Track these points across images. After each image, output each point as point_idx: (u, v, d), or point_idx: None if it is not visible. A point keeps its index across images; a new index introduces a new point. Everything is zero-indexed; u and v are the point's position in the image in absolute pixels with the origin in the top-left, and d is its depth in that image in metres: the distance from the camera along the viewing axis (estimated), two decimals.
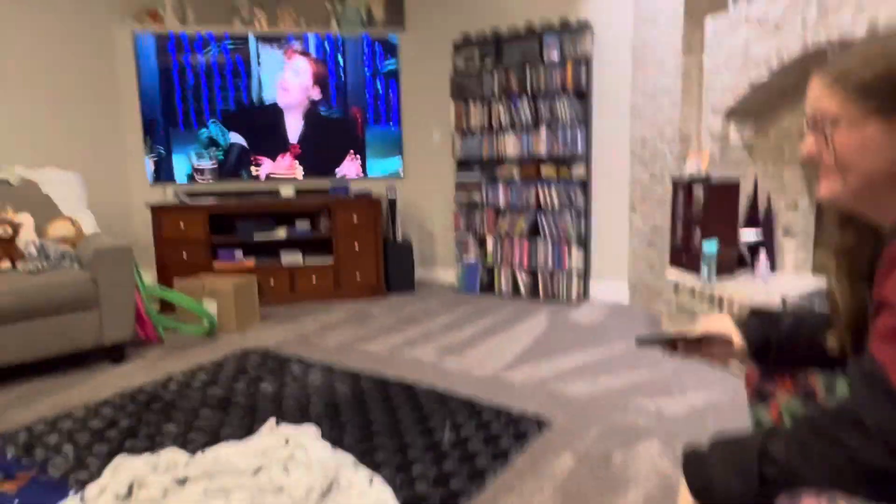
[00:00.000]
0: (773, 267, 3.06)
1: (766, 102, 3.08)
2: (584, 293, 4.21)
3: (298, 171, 4.62)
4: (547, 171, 4.20)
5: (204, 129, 4.45)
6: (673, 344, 1.10)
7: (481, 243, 4.54)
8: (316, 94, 4.58)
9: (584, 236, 4.13)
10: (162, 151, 4.41)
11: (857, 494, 0.67)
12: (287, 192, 4.46)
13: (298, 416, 2.32)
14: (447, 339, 3.31)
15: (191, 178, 4.48)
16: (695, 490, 0.81)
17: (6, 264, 2.99)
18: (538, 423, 2.20)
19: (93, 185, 4.01)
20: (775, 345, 1.02)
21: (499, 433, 2.12)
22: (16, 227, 3.05)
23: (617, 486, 1.79)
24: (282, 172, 4.61)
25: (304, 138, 4.61)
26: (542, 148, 4.17)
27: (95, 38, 4.21)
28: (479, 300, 4.25)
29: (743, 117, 3.21)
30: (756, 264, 2.98)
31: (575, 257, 4.14)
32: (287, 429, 2.08)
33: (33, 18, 3.85)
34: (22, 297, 2.70)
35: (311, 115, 4.60)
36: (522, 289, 4.36)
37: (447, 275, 4.88)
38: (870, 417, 0.65)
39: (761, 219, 3.17)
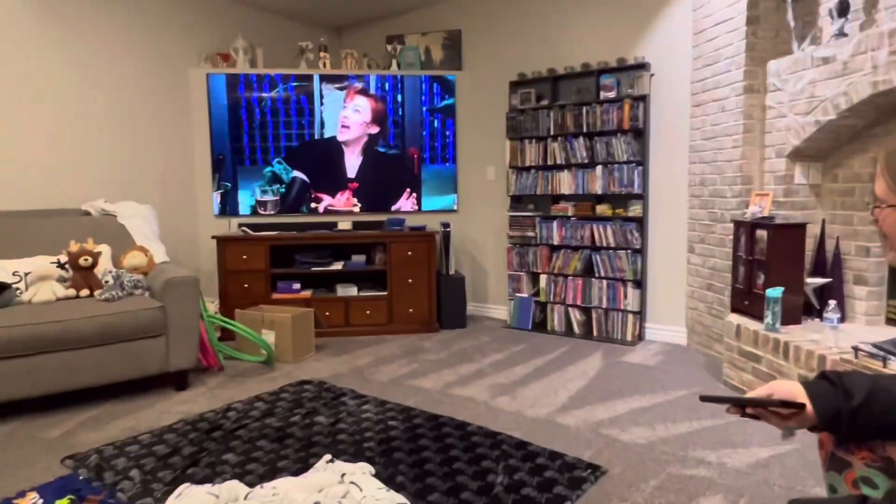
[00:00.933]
0: (842, 315, 2.93)
1: (835, 144, 3.00)
2: (640, 334, 4.12)
3: (356, 206, 4.75)
4: (602, 209, 4.17)
5: (269, 167, 4.64)
6: (739, 405, 1.07)
7: (535, 280, 4.52)
8: (374, 130, 4.73)
9: (640, 275, 4.06)
10: (228, 186, 4.62)
11: None
12: (344, 225, 4.58)
13: (353, 450, 2.35)
14: (499, 378, 3.29)
15: (254, 211, 4.66)
16: None
17: (85, 292, 3.17)
18: (593, 471, 2.15)
19: (164, 217, 4.24)
20: (847, 417, 0.98)
21: (554, 478, 2.09)
22: (95, 257, 3.24)
23: None
24: (340, 206, 4.74)
25: (361, 174, 4.74)
26: (597, 186, 4.15)
27: (172, 80, 4.49)
28: (532, 337, 4.22)
29: (809, 159, 3.13)
30: (823, 312, 2.86)
31: (630, 296, 4.07)
32: (342, 465, 2.11)
33: (117, 61, 4.15)
34: (99, 323, 2.86)
35: (370, 151, 4.74)
36: (576, 327, 4.30)
37: (499, 311, 4.87)
38: None
39: (829, 264, 3.05)
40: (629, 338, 4.08)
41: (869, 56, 2.55)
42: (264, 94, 4.60)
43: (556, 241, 4.36)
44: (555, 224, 4.36)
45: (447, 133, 4.82)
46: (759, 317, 3.00)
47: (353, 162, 4.74)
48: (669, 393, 3.01)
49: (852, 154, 2.95)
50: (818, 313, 3.01)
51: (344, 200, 4.75)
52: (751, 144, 3.35)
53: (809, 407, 1.01)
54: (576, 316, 4.31)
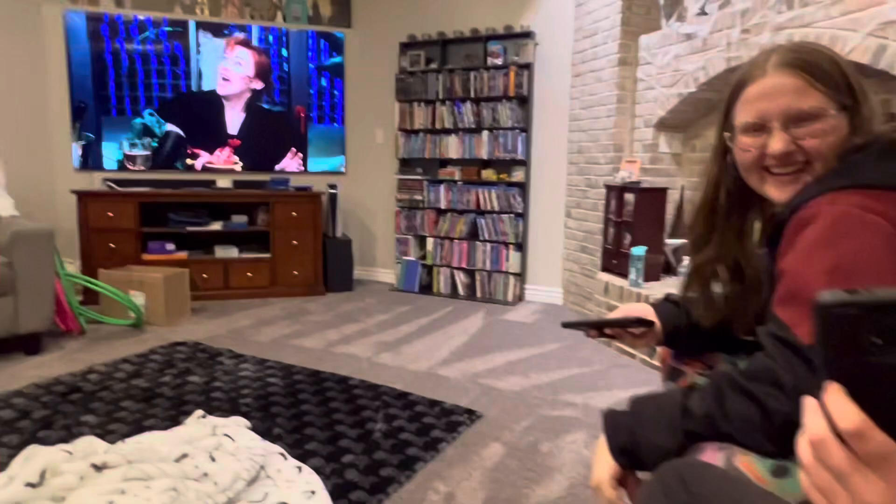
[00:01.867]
0: None
1: (694, 116, 3.26)
2: (521, 294, 4.30)
3: (237, 164, 4.52)
4: (487, 174, 4.28)
5: (139, 118, 4.29)
6: (597, 327, 1.15)
7: (422, 243, 4.57)
8: (257, 86, 4.51)
9: (521, 239, 4.23)
10: (91, 137, 4.23)
11: (766, 447, 0.72)
12: (224, 183, 4.35)
13: (228, 408, 2.27)
14: (383, 337, 3.32)
15: (121, 165, 4.31)
16: (618, 449, 0.85)
17: None
18: (470, 416, 2.24)
19: (13, 169, 3.80)
20: (685, 331, 1.10)
21: (431, 424, 2.15)
22: None
23: (543, 474, 1.85)
24: (219, 164, 4.50)
25: (244, 131, 4.52)
26: (483, 151, 4.25)
27: (22, 16, 3.99)
28: (418, 299, 4.27)
29: (672, 130, 3.39)
30: (679, 269, 3.14)
31: (512, 259, 4.23)
32: (215, 419, 2.04)
33: None
34: None
35: (253, 107, 4.52)
36: (461, 289, 4.42)
37: (386, 274, 4.88)
38: (785, 376, 0.71)
39: (685, 227, 3.34)
40: (510, 298, 4.25)
41: (724, 34, 2.79)
42: (133, 39, 4.22)
43: (443, 204, 4.42)
44: (442, 188, 4.41)
45: (335, 92, 4.69)
46: (625, 275, 3.23)
47: (234, 118, 4.49)
48: (544, 346, 3.18)
49: (708, 125, 3.23)
50: (674, 271, 3.30)
51: (224, 158, 4.50)
52: (623, 114, 3.57)
53: (658, 324, 1.11)
54: (460, 278, 4.41)
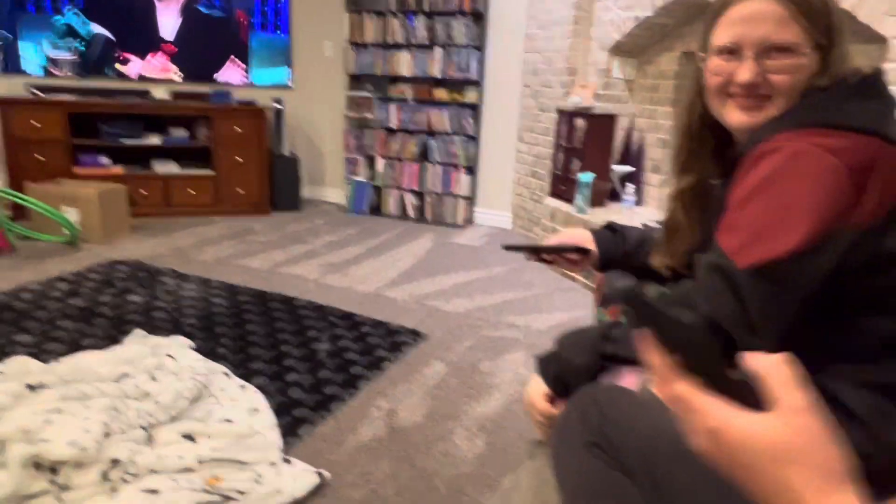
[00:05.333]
0: (639, 200, 3.31)
1: (648, 42, 3.22)
2: (470, 218, 4.33)
3: (177, 75, 4.25)
4: (440, 93, 4.17)
5: (59, 17, 3.93)
6: (537, 252, 1.18)
7: (371, 163, 4.48)
8: None
9: (473, 162, 4.20)
10: (9, 37, 3.86)
11: None
12: (161, 94, 4.10)
13: (170, 328, 2.25)
14: (331, 258, 3.30)
15: (47, 71, 3.98)
16: (550, 379, 0.90)
17: None
18: (414, 336, 2.29)
19: None
20: (620, 259, 1.13)
21: (376, 344, 2.20)
22: None
23: (482, 391, 1.93)
24: (155, 74, 4.22)
25: (181, 37, 4.22)
26: (436, 69, 4.12)
27: None
28: (367, 221, 4.25)
29: (626, 55, 3.35)
30: (624, 196, 3.20)
31: (463, 182, 4.22)
32: (156, 339, 2.03)
33: None
34: None
35: (189, 10, 4.20)
36: (410, 211, 4.40)
37: (335, 194, 4.80)
38: (705, 302, 0.74)
39: (633, 154, 3.38)
40: (460, 221, 4.27)
41: None
42: None
43: (394, 124, 4.32)
44: (393, 107, 4.28)
45: None
46: (571, 200, 3.28)
47: (168, 21, 4.17)
48: (490, 269, 3.25)
49: (662, 52, 3.21)
50: (620, 197, 3.37)
51: (160, 66, 4.22)
52: (578, 36, 3.49)
53: (595, 251, 1.14)
54: (410, 200, 4.39)
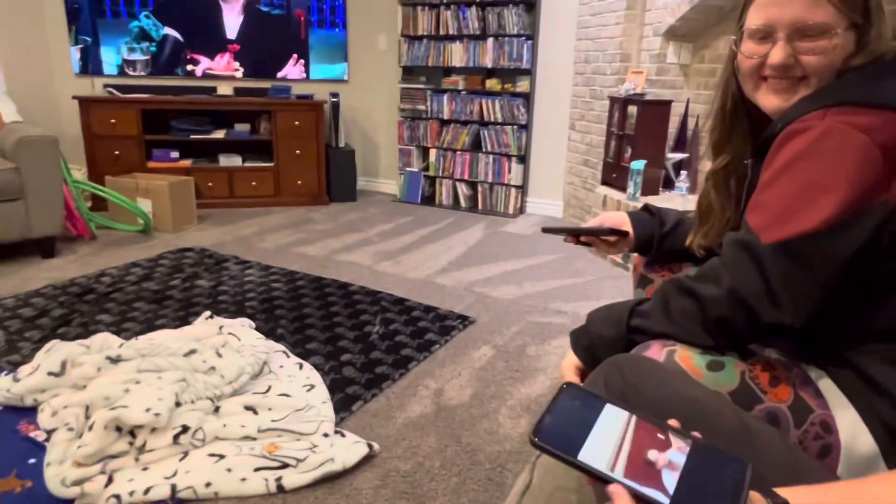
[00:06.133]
0: (692, 187, 3.24)
1: (705, 25, 3.15)
2: (522, 207, 4.35)
3: (238, 71, 4.45)
4: (491, 83, 4.20)
5: (135, 21, 4.18)
6: (575, 234, 1.21)
7: (424, 154, 4.56)
8: None
9: (524, 151, 4.22)
10: (88, 40, 4.15)
11: (704, 340, 0.80)
12: (225, 90, 4.31)
13: (234, 310, 2.40)
14: (384, 246, 3.40)
15: (121, 71, 4.25)
16: (581, 349, 0.95)
17: None
18: (463, 321, 2.35)
19: (13, 74, 3.77)
20: (657, 240, 1.15)
21: (425, 328, 2.27)
22: None
23: (527, 374, 1.98)
24: (220, 71, 4.43)
25: (243, 35, 4.41)
26: (487, 59, 4.15)
27: None
28: (419, 210, 4.33)
29: (681, 39, 3.28)
30: (677, 183, 3.15)
31: (514, 171, 4.24)
32: (222, 320, 2.17)
33: None
34: None
35: (251, 9, 4.38)
36: (462, 201, 4.46)
37: (389, 185, 4.91)
38: (729, 276, 0.76)
39: (688, 141, 3.32)
40: (511, 211, 4.29)
41: None
42: None
43: (446, 115, 4.38)
44: (445, 98, 4.34)
45: None
46: (624, 188, 3.25)
47: (232, 21, 4.37)
48: (540, 258, 3.27)
49: (719, 35, 3.13)
50: (673, 185, 3.31)
51: (224, 64, 4.42)
52: (632, 21, 3.45)
53: (632, 233, 1.16)
54: (463, 190, 4.44)
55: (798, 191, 0.75)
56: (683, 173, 3.05)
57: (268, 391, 1.74)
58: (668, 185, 3.30)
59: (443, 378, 1.93)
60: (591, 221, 1.23)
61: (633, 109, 3.19)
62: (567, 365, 0.96)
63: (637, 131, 3.17)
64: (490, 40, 4.11)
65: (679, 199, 2.96)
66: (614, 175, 3.39)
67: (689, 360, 0.79)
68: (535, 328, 2.34)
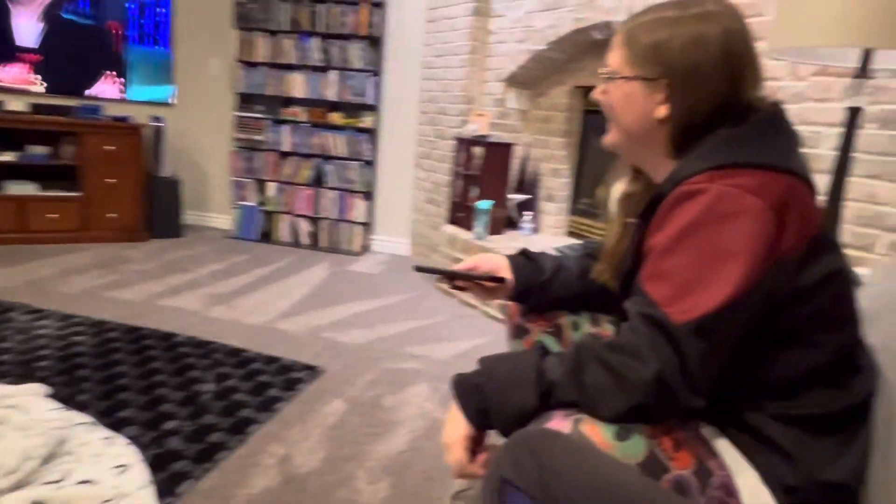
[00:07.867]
0: (535, 228, 3.37)
1: (541, 74, 3.33)
2: (367, 245, 4.21)
3: (40, 85, 3.82)
4: (335, 117, 4.06)
5: None
6: (450, 277, 1.10)
7: (262, 188, 4.26)
8: None
9: (370, 188, 4.11)
10: None
11: (612, 420, 0.71)
12: (17, 106, 3.66)
13: (20, 374, 1.94)
14: (216, 288, 3.05)
15: None
16: (473, 412, 0.81)
17: None
18: (310, 372, 2.14)
19: None
20: (537, 289, 1.09)
21: (267, 383, 2.02)
22: None
23: (385, 429, 1.82)
24: (9, 83, 3.76)
25: (46, 45, 3.80)
26: (330, 92, 4.01)
27: None
28: (256, 248, 4.01)
29: (521, 86, 3.43)
30: (521, 224, 3.25)
31: (360, 208, 4.11)
32: (2, 388, 1.73)
33: None
34: None
35: (53, 16, 3.81)
36: (303, 238, 4.21)
37: (221, 220, 4.51)
38: (654, 360, 0.69)
39: (528, 183, 3.45)
40: (356, 249, 4.14)
41: None
42: None
43: (286, 147, 4.14)
44: (286, 129, 4.11)
45: (161, 9, 4.11)
46: (470, 228, 3.28)
47: (29, 27, 3.75)
48: (389, 298, 3.15)
49: (554, 85, 3.32)
50: (517, 225, 3.41)
51: (16, 75, 3.77)
52: (474, 66, 3.54)
53: (511, 279, 1.08)
54: (304, 226, 4.20)
55: (700, 261, 0.72)
56: (527, 214, 3.15)
57: (65, 478, 1.39)
58: (512, 225, 3.40)
59: (289, 441, 1.70)
60: (465, 262, 1.13)
61: (478, 150, 3.25)
62: (454, 439, 0.81)
63: (483, 172, 3.22)
64: (333, 73, 3.98)
65: (524, 240, 3.04)
66: (461, 214, 3.41)
67: (596, 431, 0.70)
68: (390, 375, 2.20)
